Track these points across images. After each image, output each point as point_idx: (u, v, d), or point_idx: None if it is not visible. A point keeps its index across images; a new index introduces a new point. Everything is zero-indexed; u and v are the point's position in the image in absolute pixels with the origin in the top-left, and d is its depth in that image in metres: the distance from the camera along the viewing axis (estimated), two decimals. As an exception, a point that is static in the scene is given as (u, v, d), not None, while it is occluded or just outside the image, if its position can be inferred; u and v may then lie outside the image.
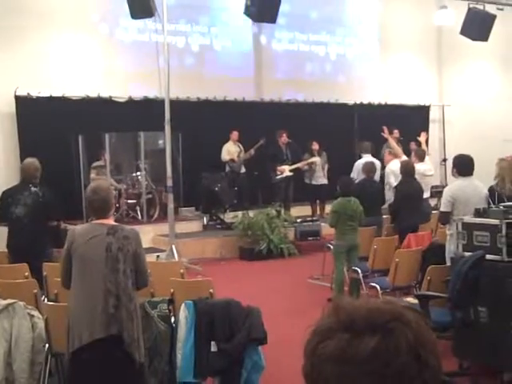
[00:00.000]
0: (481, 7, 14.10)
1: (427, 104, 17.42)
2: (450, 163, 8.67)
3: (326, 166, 13.84)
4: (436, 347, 1.09)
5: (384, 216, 9.66)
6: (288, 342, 5.41)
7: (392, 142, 10.92)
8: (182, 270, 6.64)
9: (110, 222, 4.30)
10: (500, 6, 15.11)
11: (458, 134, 16.86)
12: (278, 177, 13.28)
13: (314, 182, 13.61)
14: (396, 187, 8.86)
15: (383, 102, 16.40)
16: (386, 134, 11.30)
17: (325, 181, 13.58)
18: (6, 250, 7.36)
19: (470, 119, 17.15)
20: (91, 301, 4.07)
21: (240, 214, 12.46)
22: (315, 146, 13.70)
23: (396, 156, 10.40)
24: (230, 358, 4.74)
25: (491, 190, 7.06)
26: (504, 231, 5.46)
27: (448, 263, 6.40)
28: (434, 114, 17.69)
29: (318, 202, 13.85)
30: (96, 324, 4.02)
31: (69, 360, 4.15)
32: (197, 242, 11.94)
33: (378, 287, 7.30)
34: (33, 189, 7.10)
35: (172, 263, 8.43)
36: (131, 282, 4.15)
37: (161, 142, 13.07)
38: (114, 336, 4.01)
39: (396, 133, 11.62)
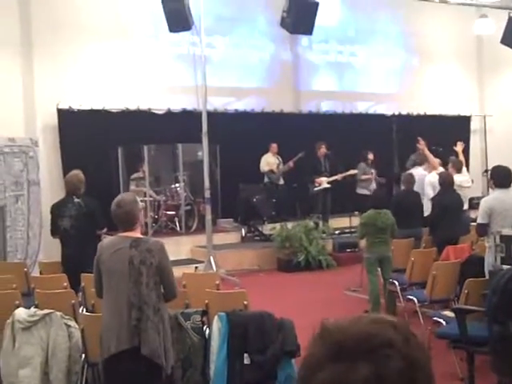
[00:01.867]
0: (522, 16, 13.88)
1: (468, 114, 17.19)
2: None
3: (381, 179, 13.83)
4: (429, 364, 1.07)
5: (424, 228, 9.54)
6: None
7: (428, 154, 10.78)
8: (217, 282, 6.66)
9: (136, 234, 4.32)
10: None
11: (500, 144, 16.59)
12: (315, 188, 13.24)
13: (367, 193, 13.55)
14: (433, 199, 8.75)
15: (422, 113, 16.24)
16: (421, 146, 11.16)
17: None
18: (54, 260, 7.55)
19: (513, 128, 16.88)
20: (117, 313, 4.13)
21: (278, 225, 12.45)
22: (370, 156, 13.68)
23: (433, 168, 10.27)
24: (263, 370, 4.73)
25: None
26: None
27: (487, 276, 6.29)
28: (475, 125, 17.46)
29: (356, 213, 13.74)
30: (122, 335, 4.08)
31: (101, 369, 4.22)
32: (235, 254, 11.97)
33: (415, 300, 7.21)
34: (76, 200, 7.25)
35: (208, 275, 8.47)
36: (156, 294, 4.18)
37: (199, 153, 13.16)
38: (138, 348, 4.05)
39: (422, 143, 11.41)
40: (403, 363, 1.01)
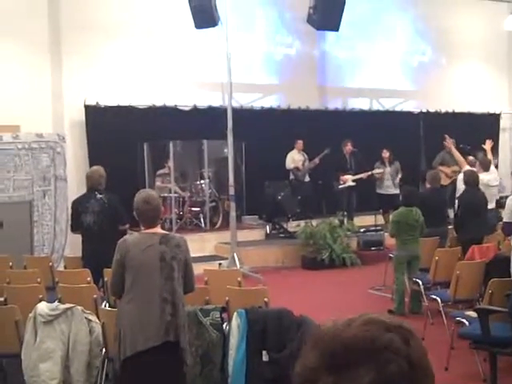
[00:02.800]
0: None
1: (497, 112, 16.96)
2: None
3: (399, 175, 13.65)
4: (428, 362, 1.04)
5: (450, 226, 9.44)
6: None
7: (455, 152, 10.65)
8: (239, 278, 6.66)
9: (160, 230, 4.36)
10: None
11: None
12: (340, 186, 13.17)
13: (382, 192, 13.47)
14: (458, 198, 8.65)
15: (450, 110, 16.06)
16: (448, 143, 11.04)
17: (394, 190, 13.32)
18: (79, 255, 7.60)
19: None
20: (146, 309, 4.11)
21: (303, 222, 12.42)
22: (385, 154, 13.58)
23: (460, 166, 10.15)
24: (281, 368, 4.72)
25: None
26: None
27: (512, 276, 6.19)
28: (504, 123, 17.22)
29: (381, 211, 13.64)
30: (151, 332, 4.07)
31: (120, 367, 4.20)
32: (259, 251, 11.96)
33: (438, 300, 7.13)
34: (98, 196, 7.27)
35: (230, 271, 8.47)
36: (181, 289, 4.22)
37: (225, 150, 13.16)
38: (168, 343, 4.06)
39: (449, 141, 11.23)
40: (405, 365, 0.99)
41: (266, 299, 5.49)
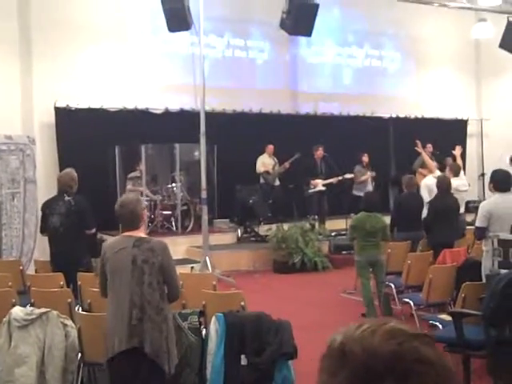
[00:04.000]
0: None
1: (465, 118, 17.23)
2: (487, 178, 8.55)
3: (372, 174, 13.88)
4: (450, 365, 1.06)
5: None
6: (319, 357, 5.35)
7: (425, 157, 10.80)
8: (214, 282, 6.66)
9: (139, 234, 4.34)
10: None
11: (497, 148, 16.61)
12: (310, 190, 13.25)
13: (361, 194, 13.57)
14: (430, 202, 8.76)
15: (420, 116, 16.27)
16: (419, 149, 11.19)
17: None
18: (48, 259, 7.56)
19: (510, 133, 16.86)
20: (119, 312, 4.14)
21: (274, 226, 12.45)
22: (365, 158, 13.72)
23: (430, 171, 10.29)
24: (260, 372, 4.72)
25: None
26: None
27: (484, 280, 6.30)
28: (471, 129, 17.49)
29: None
30: (123, 335, 4.08)
31: (106, 368, 4.23)
32: (231, 254, 11.96)
33: (411, 303, 7.22)
34: (66, 198, 7.22)
35: (205, 275, 8.46)
36: (159, 294, 4.18)
37: (196, 153, 13.13)
38: (138, 348, 4.05)
39: (429, 147, 11.45)
40: (439, 374, 1.00)
41: (242, 303, 5.49)
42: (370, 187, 13.67)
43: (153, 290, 4.14)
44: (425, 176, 11.63)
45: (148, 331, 4.06)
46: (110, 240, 4.46)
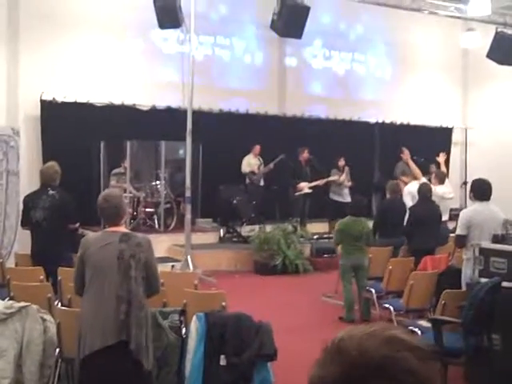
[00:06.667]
0: (509, 31, 14.03)
1: (450, 126, 17.34)
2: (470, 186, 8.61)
3: (349, 184, 13.80)
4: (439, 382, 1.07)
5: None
6: (298, 360, 5.37)
7: (411, 164, 10.85)
8: (195, 282, 6.66)
9: (122, 229, 4.33)
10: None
11: (481, 157, 16.74)
12: (296, 193, 13.26)
13: (340, 199, 13.56)
14: (411, 208, 8.81)
15: (405, 122, 16.35)
16: (405, 156, 11.24)
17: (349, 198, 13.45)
18: (29, 252, 7.48)
19: (494, 142, 16.96)
20: (104, 308, 4.09)
21: (257, 227, 12.46)
22: (341, 162, 13.73)
23: (414, 178, 10.34)
24: (239, 372, 4.72)
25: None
26: (522, 259, 5.40)
27: (464, 288, 6.34)
28: (456, 137, 17.61)
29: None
30: (108, 331, 4.04)
31: (79, 366, 4.17)
32: (212, 254, 11.95)
33: (391, 308, 7.25)
34: (50, 192, 7.15)
35: (186, 274, 8.45)
36: (142, 289, 4.18)
37: (181, 152, 13.11)
38: (123, 343, 4.03)
39: (407, 154, 11.45)
40: None
41: (223, 303, 5.49)
42: (346, 191, 13.65)
43: (138, 285, 4.14)
44: (406, 183, 11.68)
45: (133, 326, 4.05)
46: (90, 235, 4.43)
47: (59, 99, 12.33)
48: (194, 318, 4.95)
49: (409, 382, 1.01)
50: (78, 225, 7.51)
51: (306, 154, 13.36)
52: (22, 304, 5.09)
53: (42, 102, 12.24)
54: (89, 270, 4.19)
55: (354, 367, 1.01)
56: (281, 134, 13.99)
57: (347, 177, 13.80)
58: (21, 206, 7.82)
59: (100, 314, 4.09)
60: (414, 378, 1.01)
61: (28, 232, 7.47)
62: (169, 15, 10.25)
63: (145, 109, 13.22)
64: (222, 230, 12.96)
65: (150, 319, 4.33)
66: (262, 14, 12.66)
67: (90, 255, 4.18)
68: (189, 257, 10.58)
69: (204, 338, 4.84)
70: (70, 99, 12.40)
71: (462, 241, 6.67)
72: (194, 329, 4.90)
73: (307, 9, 10.87)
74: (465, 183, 16.64)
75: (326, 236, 12.99)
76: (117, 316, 4.04)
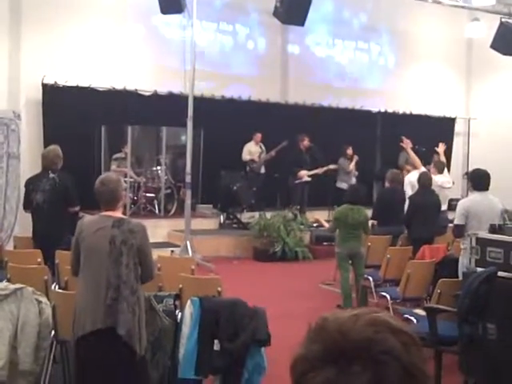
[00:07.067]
0: (513, 22, 13.96)
1: (453, 116, 17.28)
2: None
3: (356, 173, 13.87)
4: (426, 368, 1.06)
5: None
6: (291, 346, 5.37)
7: (411, 153, 10.82)
8: (192, 267, 6.66)
9: (118, 214, 4.32)
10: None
11: (483, 147, 16.69)
12: (296, 181, 13.26)
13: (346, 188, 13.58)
14: (410, 197, 8.80)
15: (408, 112, 16.29)
16: (404, 145, 11.21)
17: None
18: (29, 235, 7.53)
19: (497, 133, 16.89)
20: (94, 291, 4.11)
21: (257, 214, 12.46)
22: (349, 151, 13.74)
23: (415, 167, 10.32)
24: (232, 357, 4.74)
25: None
26: (518, 249, 5.39)
27: (460, 277, 6.34)
28: (459, 127, 17.55)
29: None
30: (98, 314, 4.06)
31: (74, 347, 4.20)
32: (212, 240, 11.97)
33: (388, 297, 7.26)
34: (51, 175, 7.18)
35: (184, 259, 8.46)
36: (134, 275, 4.17)
37: (183, 137, 13.10)
38: (112, 328, 4.04)
39: (408, 143, 11.42)
40: (402, 371, 1.01)
41: (219, 289, 5.50)
42: (353, 180, 13.69)
43: (129, 271, 4.13)
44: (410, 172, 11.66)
45: (122, 312, 4.05)
46: (87, 218, 4.43)
47: (61, 83, 12.31)
48: (189, 302, 4.97)
49: (392, 365, 1.00)
50: (78, 208, 7.52)
51: (306, 142, 13.33)
52: (17, 286, 5.11)
53: (44, 86, 12.22)
54: (82, 252, 4.21)
55: (335, 346, 1.01)
56: (282, 122, 13.95)
57: (356, 166, 13.86)
58: (21, 190, 7.86)
59: (92, 297, 4.12)
60: (397, 362, 1.01)
61: (28, 215, 7.51)
62: (171, 0, 10.20)
63: (146, 94, 13.19)
64: (222, 216, 12.97)
65: (144, 303, 4.34)
66: (265, 0, 12.59)
67: (84, 238, 4.19)
68: (188, 242, 10.60)
69: (198, 322, 4.85)
70: (71, 83, 12.37)
71: (460, 230, 6.67)
72: (189, 313, 4.91)
73: (310, -4, 10.82)
74: (467, 173, 16.60)
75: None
76: (104, 302, 4.05)
